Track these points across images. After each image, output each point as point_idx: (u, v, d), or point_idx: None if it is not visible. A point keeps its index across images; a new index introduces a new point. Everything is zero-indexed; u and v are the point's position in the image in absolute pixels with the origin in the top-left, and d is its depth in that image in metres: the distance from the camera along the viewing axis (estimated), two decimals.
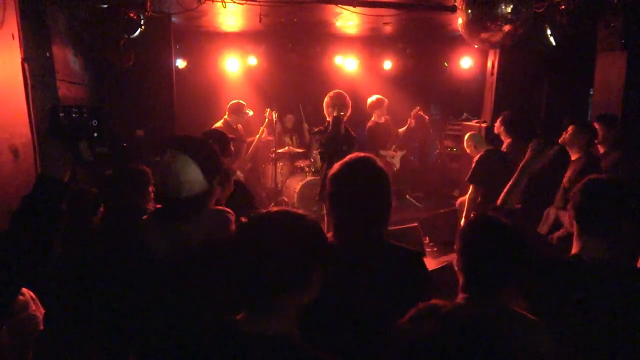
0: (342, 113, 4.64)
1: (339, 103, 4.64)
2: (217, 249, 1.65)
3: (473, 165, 4.75)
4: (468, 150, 4.91)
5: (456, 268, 1.65)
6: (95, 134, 1.42)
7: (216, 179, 1.75)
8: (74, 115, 1.41)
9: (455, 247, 1.65)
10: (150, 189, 2.47)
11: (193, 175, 1.64)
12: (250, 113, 6.03)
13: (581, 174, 3.60)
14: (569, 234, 3.63)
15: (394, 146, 7.00)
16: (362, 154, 1.77)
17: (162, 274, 1.62)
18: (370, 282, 1.61)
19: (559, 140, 4.14)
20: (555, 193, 4.28)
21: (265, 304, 1.22)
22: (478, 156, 4.75)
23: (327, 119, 4.72)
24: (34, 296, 1.49)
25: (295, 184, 6.81)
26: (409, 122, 6.76)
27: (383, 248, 1.71)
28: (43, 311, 1.49)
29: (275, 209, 1.30)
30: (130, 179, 2.36)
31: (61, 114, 1.41)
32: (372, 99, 6.67)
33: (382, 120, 6.85)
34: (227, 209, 1.75)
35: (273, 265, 1.20)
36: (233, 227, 1.72)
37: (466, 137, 4.97)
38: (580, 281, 1.74)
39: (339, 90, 4.76)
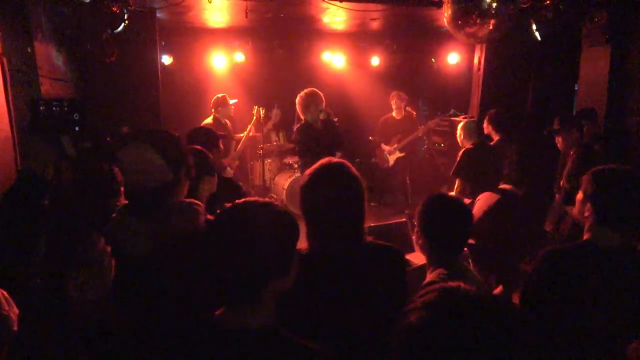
0: (331, 117, 4.61)
1: (320, 101, 4.57)
2: (192, 244, 1.63)
3: (458, 158, 4.74)
4: (458, 140, 4.87)
5: (419, 243, 1.94)
6: (77, 128, 1.39)
7: (182, 170, 1.73)
8: (54, 108, 1.37)
9: (417, 224, 1.95)
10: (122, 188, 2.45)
11: (155, 166, 1.63)
12: (232, 102, 5.93)
13: (582, 165, 3.65)
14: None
15: (396, 144, 7.02)
16: (334, 160, 1.75)
17: (137, 271, 1.59)
18: (351, 286, 1.61)
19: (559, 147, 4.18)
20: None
21: (249, 296, 1.21)
22: (463, 150, 4.75)
23: (302, 117, 4.63)
24: (6, 295, 1.45)
25: (284, 181, 6.79)
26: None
27: (361, 249, 1.70)
28: (17, 311, 1.45)
29: (241, 200, 1.28)
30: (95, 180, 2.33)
31: (41, 108, 1.37)
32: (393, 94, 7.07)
33: (399, 116, 7.02)
34: (196, 201, 1.74)
35: (257, 257, 1.19)
36: (202, 218, 1.71)
37: (460, 124, 4.88)
38: (594, 267, 1.82)
39: (312, 89, 4.67)
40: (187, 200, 1.76)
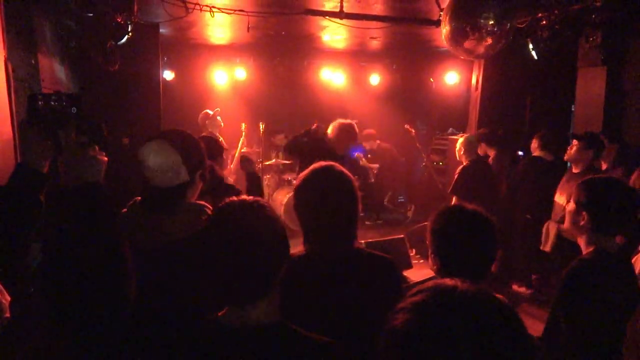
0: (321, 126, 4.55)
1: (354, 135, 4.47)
2: (196, 245, 1.64)
3: (456, 176, 4.78)
4: (457, 155, 4.90)
5: (433, 269, 1.66)
6: (75, 122, 1.40)
7: (198, 172, 1.75)
8: (52, 102, 1.39)
9: (430, 244, 1.65)
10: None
11: (175, 165, 1.65)
12: (211, 112, 5.81)
13: None
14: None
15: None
16: (325, 163, 1.76)
17: (143, 266, 1.59)
18: (342, 290, 1.61)
19: (565, 157, 4.18)
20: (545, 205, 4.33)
21: (258, 292, 1.19)
22: (461, 167, 4.79)
23: (339, 151, 4.41)
24: None
25: (282, 197, 6.80)
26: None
27: (353, 256, 1.70)
28: (9, 299, 1.46)
29: (227, 201, 1.27)
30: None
31: (40, 102, 1.39)
32: None
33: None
34: (207, 204, 1.75)
35: (267, 250, 1.18)
36: None
37: (461, 139, 4.92)
38: (608, 273, 1.85)
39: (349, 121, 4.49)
40: (199, 202, 1.77)
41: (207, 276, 1.25)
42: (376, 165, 7.54)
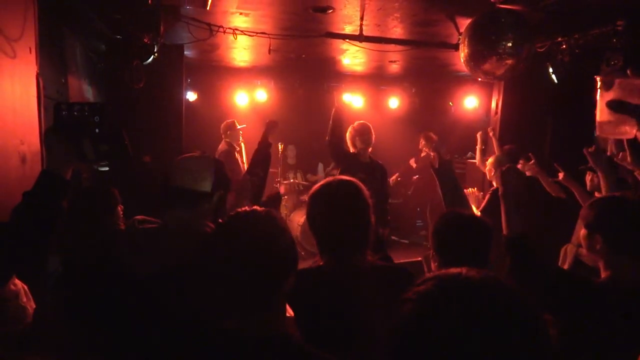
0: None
1: (364, 133, 4.62)
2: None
3: (487, 197, 4.68)
4: (489, 175, 4.82)
5: (435, 266, 1.81)
6: (97, 130, 1.45)
7: (219, 192, 1.82)
8: (76, 112, 1.45)
9: (431, 245, 1.85)
10: (120, 208, 2.60)
11: (204, 173, 1.75)
12: (240, 127, 6.10)
13: None
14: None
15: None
16: (340, 177, 1.81)
17: (144, 290, 1.61)
18: (358, 302, 1.61)
19: (588, 188, 4.09)
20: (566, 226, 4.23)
21: (262, 303, 1.20)
22: (492, 188, 4.69)
23: (352, 150, 4.68)
24: (26, 289, 1.50)
25: (299, 218, 6.81)
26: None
27: (370, 268, 1.71)
28: (34, 305, 1.49)
29: (233, 213, 1.29)
30: (98, 200, 2.50)
31: (64, 112, 1.45)
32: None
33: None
34: (211, 224, 1.79)
35: (271, 261, 1.19)
36: None
37: (491, 159, 4.83)
38: (618, 305, 1.73)
39: (362, 122, 4.75)
40: (209, 224, 1.80)
41: (213, 284, 1.25)
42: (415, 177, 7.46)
